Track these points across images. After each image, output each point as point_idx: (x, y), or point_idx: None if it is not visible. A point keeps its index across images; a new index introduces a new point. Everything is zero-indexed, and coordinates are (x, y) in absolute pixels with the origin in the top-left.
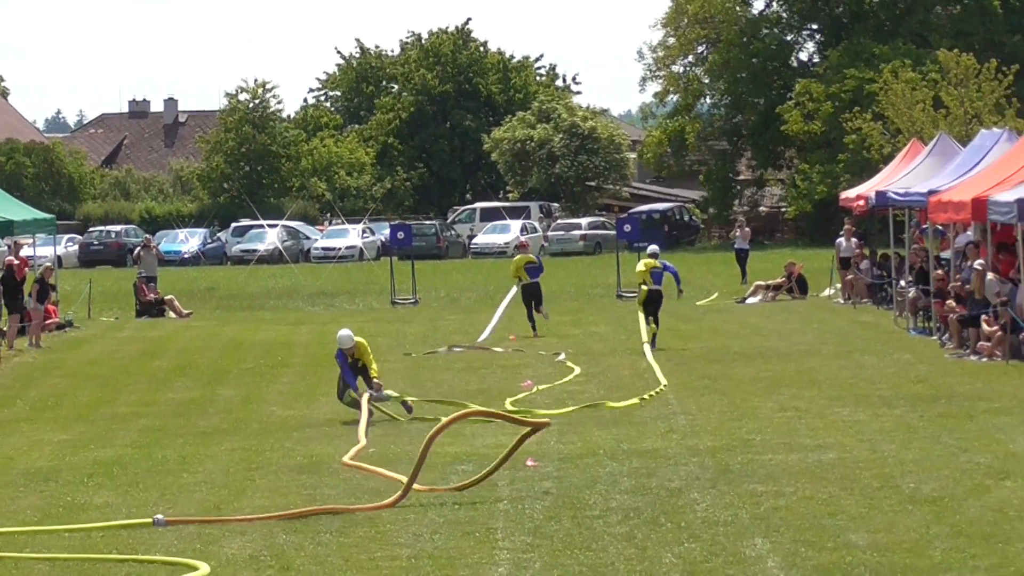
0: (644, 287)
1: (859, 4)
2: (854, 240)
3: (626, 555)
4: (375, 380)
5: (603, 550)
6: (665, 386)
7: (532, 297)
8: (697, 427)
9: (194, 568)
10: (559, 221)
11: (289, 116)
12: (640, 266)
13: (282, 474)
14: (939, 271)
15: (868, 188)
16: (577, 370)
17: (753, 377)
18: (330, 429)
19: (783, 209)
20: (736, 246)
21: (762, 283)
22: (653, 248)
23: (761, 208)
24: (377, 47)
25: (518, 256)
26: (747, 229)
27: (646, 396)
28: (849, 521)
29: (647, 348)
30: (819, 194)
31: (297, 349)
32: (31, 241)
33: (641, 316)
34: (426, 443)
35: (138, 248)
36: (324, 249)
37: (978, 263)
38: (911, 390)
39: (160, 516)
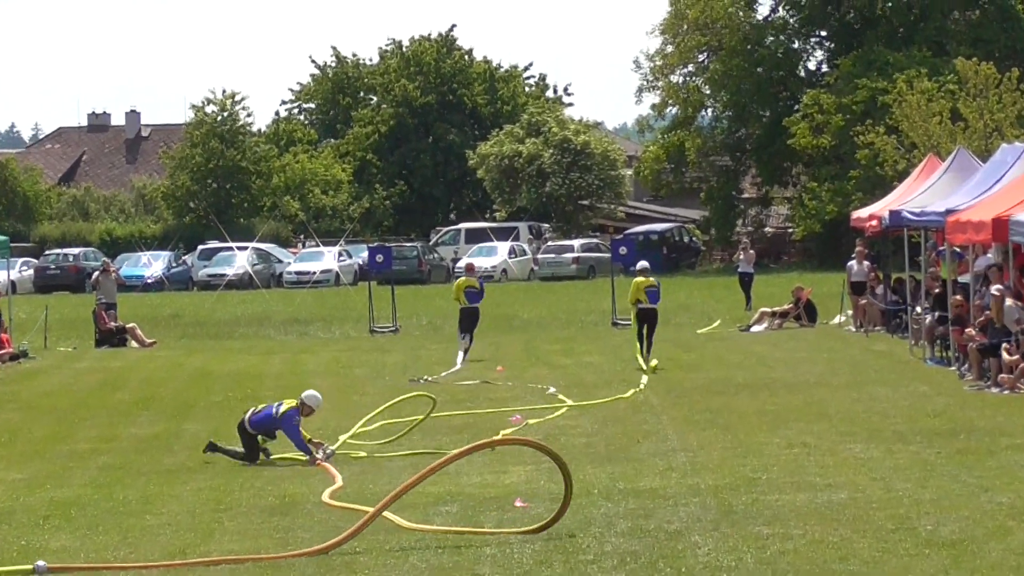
0: (639, 305)
1: (871, 9)
2: (866, 263)
3: None
4: (315, 441)
5: None
6: (648, 376)
7: (470, 321)
8: (698, 464)
9: None
10: (550, 243)
11: (260, 130)
12: (637, 281)
13: (253, 516)
14: (957, 296)
15: (881, 207)
16: (569, 402)
17: (758, 410)
18: (303, 467)
19: (790, 230)
20: (740, 270)
21: (768, 309)
22: (643, 264)
23: (766, 228)
24: (354, 55)
25: (461, 279)
26: (751, 251)
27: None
28: (861, 566)
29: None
30: (829, 213)
31: (268, 381)
32: None
33: (636, 334)
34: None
35: (96, 272)
36: (297, 273)
37: (995, 288)
38: (928, 424)
39: (41, 563)
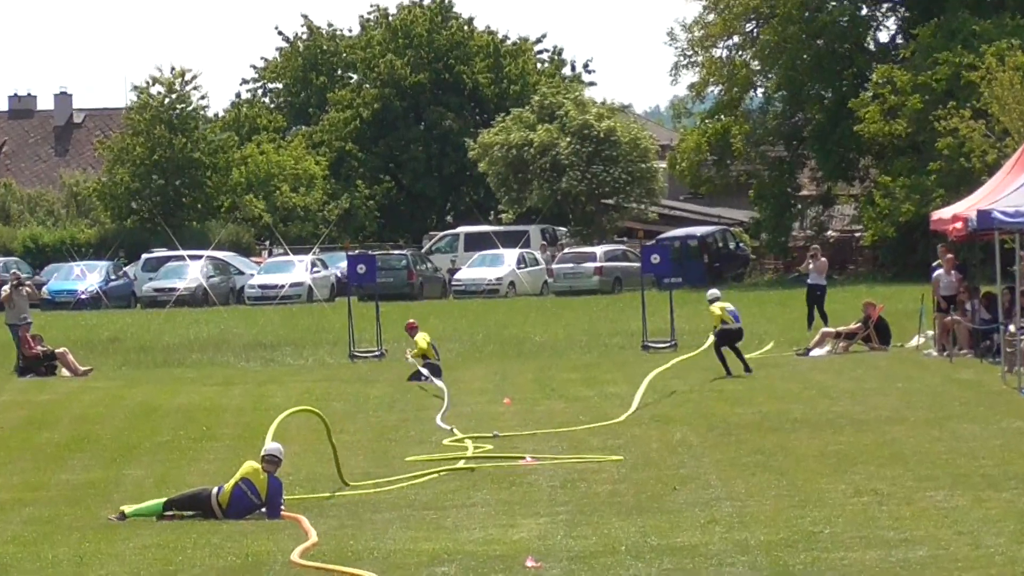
0: (724, 326)
1: None
2: (954, 273)
3: None
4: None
5: None
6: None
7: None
8: (747, 516)
9: None
10: (567, 250)
11: (216, 115)
12: (715, 309)
13: None
14: None
15: (967, 206)
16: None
17: (820, 452)
18: (268, 520)
19: (857, 234)
20: (810, 281)
21: (830, 329)
22: (714, 292)
23: (829, 232)
24: (330, 26)
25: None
26: (823, 259)
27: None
28: None
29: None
30: (904, 214)
31: (227, 416)
32: None
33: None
34: None
35: (5, 286)
36: (262, 287)
37: None
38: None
39: None
